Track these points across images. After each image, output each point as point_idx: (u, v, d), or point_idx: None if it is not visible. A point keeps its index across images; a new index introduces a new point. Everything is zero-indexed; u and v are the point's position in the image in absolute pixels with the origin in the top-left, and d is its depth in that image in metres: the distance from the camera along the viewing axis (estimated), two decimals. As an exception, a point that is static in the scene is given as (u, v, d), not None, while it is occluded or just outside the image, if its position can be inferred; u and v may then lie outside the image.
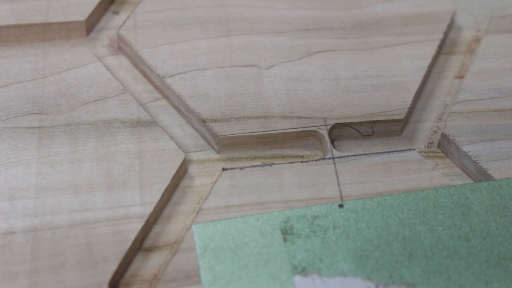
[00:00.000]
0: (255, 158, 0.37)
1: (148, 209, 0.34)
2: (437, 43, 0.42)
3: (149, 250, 0.34)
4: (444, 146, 0.38)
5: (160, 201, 0.34)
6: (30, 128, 0.37)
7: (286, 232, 0.32)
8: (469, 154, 0.37)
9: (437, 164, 0.38)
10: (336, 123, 0.38)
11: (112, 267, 0.32)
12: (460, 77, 0.42)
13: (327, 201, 0.35)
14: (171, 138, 0.37)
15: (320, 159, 0.37)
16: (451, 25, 0.44)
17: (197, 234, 0.31)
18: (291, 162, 0.37)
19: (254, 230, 0.32)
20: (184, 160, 0.36)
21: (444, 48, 0.43)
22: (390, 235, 0.32)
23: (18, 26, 0.41)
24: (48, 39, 0.41)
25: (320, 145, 0.38)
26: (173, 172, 0.35)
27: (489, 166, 0.36)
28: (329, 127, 0.38)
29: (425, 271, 0.31)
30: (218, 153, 0.38)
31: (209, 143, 0.38)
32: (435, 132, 0.39)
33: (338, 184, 0.36)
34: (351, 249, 0.31)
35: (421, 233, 0.32)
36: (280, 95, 0.39)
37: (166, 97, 0.40)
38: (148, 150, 0.36)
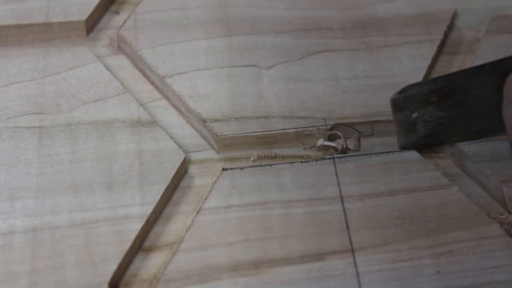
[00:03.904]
0: (255, 158, 0.37)
1: (148, 209, 0.34)
2: (437, 43, 0.42)
3: (149, 250, 0.34)
4: (444, 146, 0.38)
5: (160, 201, 0.34)
6: (30, 128, 0.37)
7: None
8: (469, 154, 0.37)
9: (437, 164, 0.38)
10: (336, 123, 0.38)
11: (112, 267, 0.32)
12: (460, 77, 0.42)
13: (327, 201, 0.35)
14: (171, 138, 0.37)
15: (320, 159, 0.37)
16: (451, 26, 0.44)
17: None
18: (291, 162, 0.37)
19: None
20: (184, 160, 0.36)
21: (444, 48, 0.43)
22: None
23: (18, 26, 0.41)
24: (48, 39, 0.41)
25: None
26: (173, 172, 0.35)
27: (489, 166, 0.36)
28: (329, 127, 0.38)
29: None
30: (218, 153, 0.38)
31: (209, 143, 0.38)
32: (435, 132, 0.39)
33: (338, 184, 0.36)
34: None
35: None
36: (280, 95, 0.39)
37: (166, 97, 0.39)
38: (148, 150, 0.36)
